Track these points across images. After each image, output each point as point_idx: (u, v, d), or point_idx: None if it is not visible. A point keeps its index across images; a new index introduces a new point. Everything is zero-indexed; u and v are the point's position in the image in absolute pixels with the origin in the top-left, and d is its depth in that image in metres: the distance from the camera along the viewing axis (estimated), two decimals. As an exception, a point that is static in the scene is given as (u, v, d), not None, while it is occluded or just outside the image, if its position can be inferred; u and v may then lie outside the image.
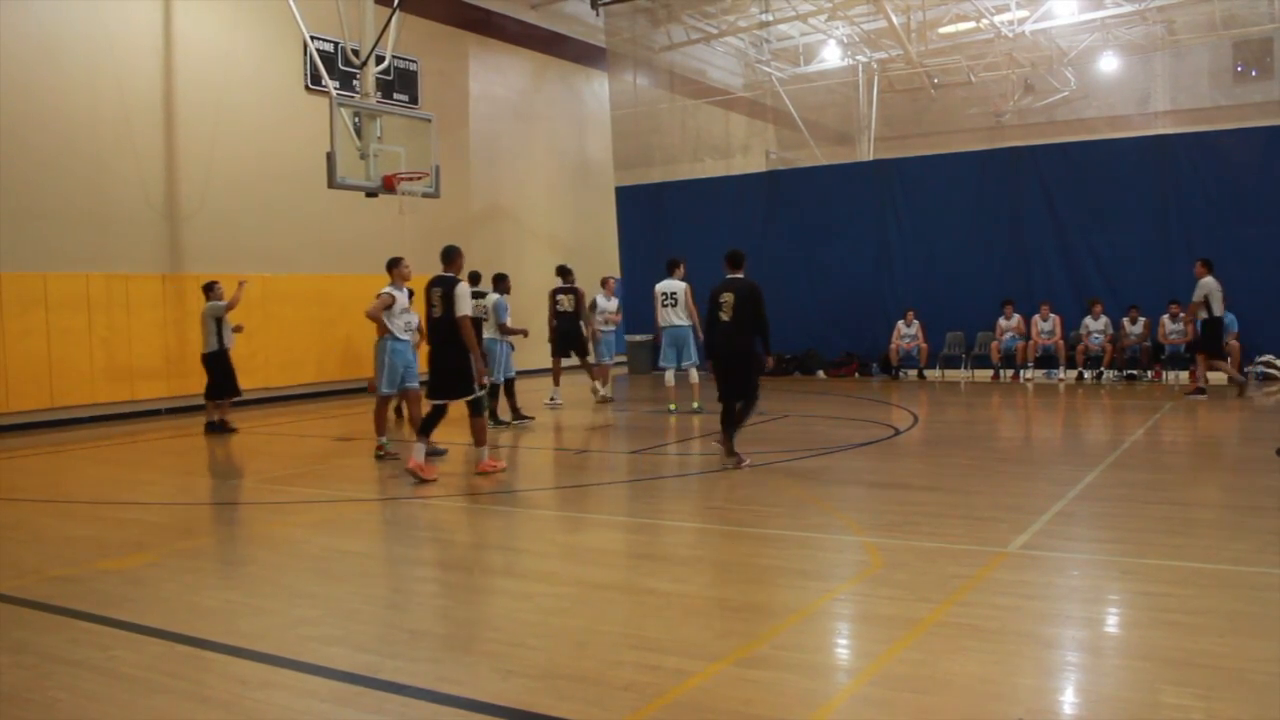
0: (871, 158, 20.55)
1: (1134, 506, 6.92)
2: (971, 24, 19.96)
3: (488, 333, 11.29)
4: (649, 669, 3.93)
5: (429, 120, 12.88)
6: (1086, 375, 15.49)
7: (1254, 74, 19.53)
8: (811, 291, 17.76)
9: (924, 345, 16.51)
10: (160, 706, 3.72)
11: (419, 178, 12.18)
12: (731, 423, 8.60)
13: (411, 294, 9.65)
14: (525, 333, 12.08)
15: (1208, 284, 12.72)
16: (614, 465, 9.52)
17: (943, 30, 20.44)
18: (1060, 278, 16.18)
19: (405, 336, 9.54)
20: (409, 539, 6.78)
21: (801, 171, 19.58)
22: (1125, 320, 15.12)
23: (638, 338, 18.62)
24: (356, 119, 11.81)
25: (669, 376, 12.74)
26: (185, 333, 14.41)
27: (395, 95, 16.75)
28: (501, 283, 11.86)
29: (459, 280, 8.42)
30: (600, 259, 21.24)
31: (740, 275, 8.67)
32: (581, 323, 13.80)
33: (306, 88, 15.98)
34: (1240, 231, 14.71)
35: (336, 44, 14.86)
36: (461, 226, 18.29)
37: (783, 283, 16.51)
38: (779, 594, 5.12)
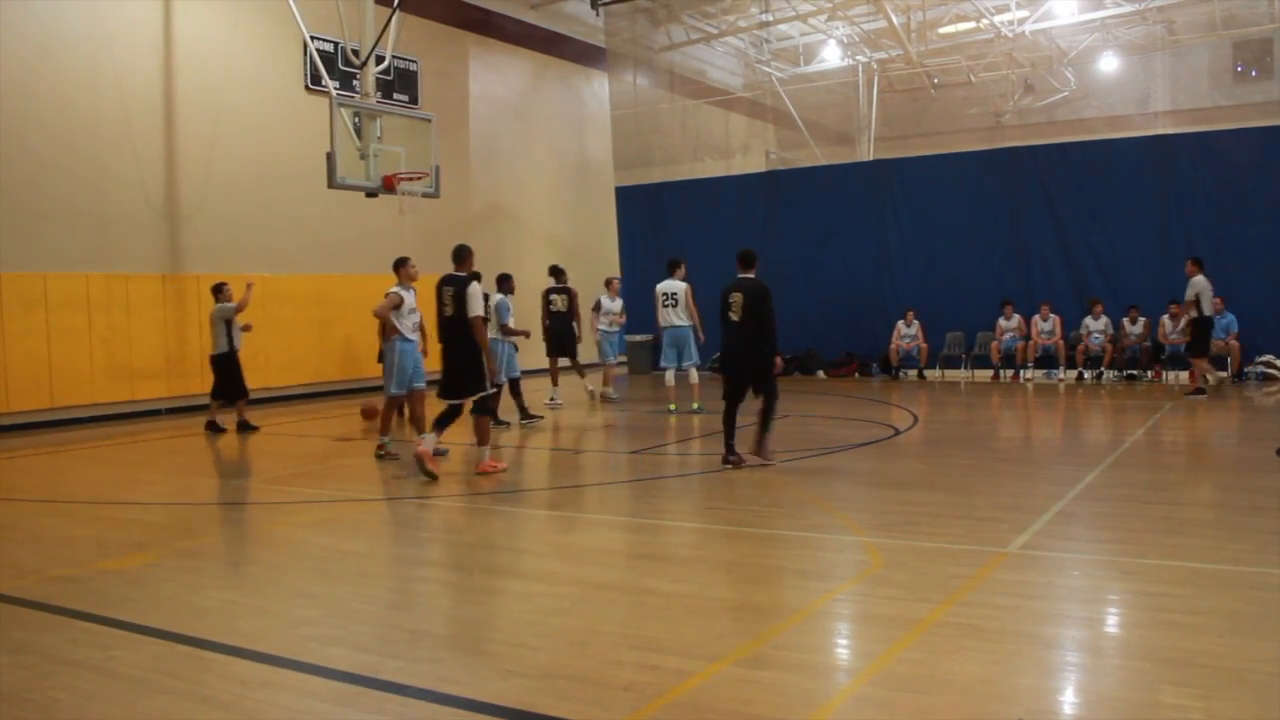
0: (871, 158, 20.54)
1: (1134, 506, 6.92)
2: (971, 24, 19.95)
3: (490, 333, 11.29)
4: (649, 669, 3.93)
5: (429, 120, 12.88)
6: (1086, 375, 15.50)
7: (1254, 74, 19.52)
8: (811, 291, 17.74)
9: (924, 345, 16.51)
10: (160, 706, 3.72)
11: (419, 178, 12.18)
12: (734, 424, 8.61)
13: (414, 294, 9.65)
14: (527, 334, 12.07)
15: (1199, 283, 12.73)
16: (614, 465, 9.52)
17: (943, 30, 20.43)
18: (1060, 278, 16.18)
19: (413, 337, 9.55)
20: (409, 539, 6.78)
21: (801, 171, 19.57)
22: (1125, 320, 15.11)
23: (638, 338, 18.62)
24: (356, 119, 11.81)
25: (669, 376, 12.75)
26: (185, 333, 14.41)
27: (395, 95, 16.76)
28: (505, 283, 11.85)
29: (471, 280, 8.45)
30: (600, 259, 21.23)
31: (751, 275, 8.69)
32: (574, 323, 13.80)
33: (306, 88, 15.98)
34: (1240, 231, 14.71)
35: (336, 44, 14.87)
36: (461, 226, 18.26)
37: (783, 283, 16.36)
38: (779, 594, 5.12)
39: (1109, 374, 15.38)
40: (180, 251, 14.59)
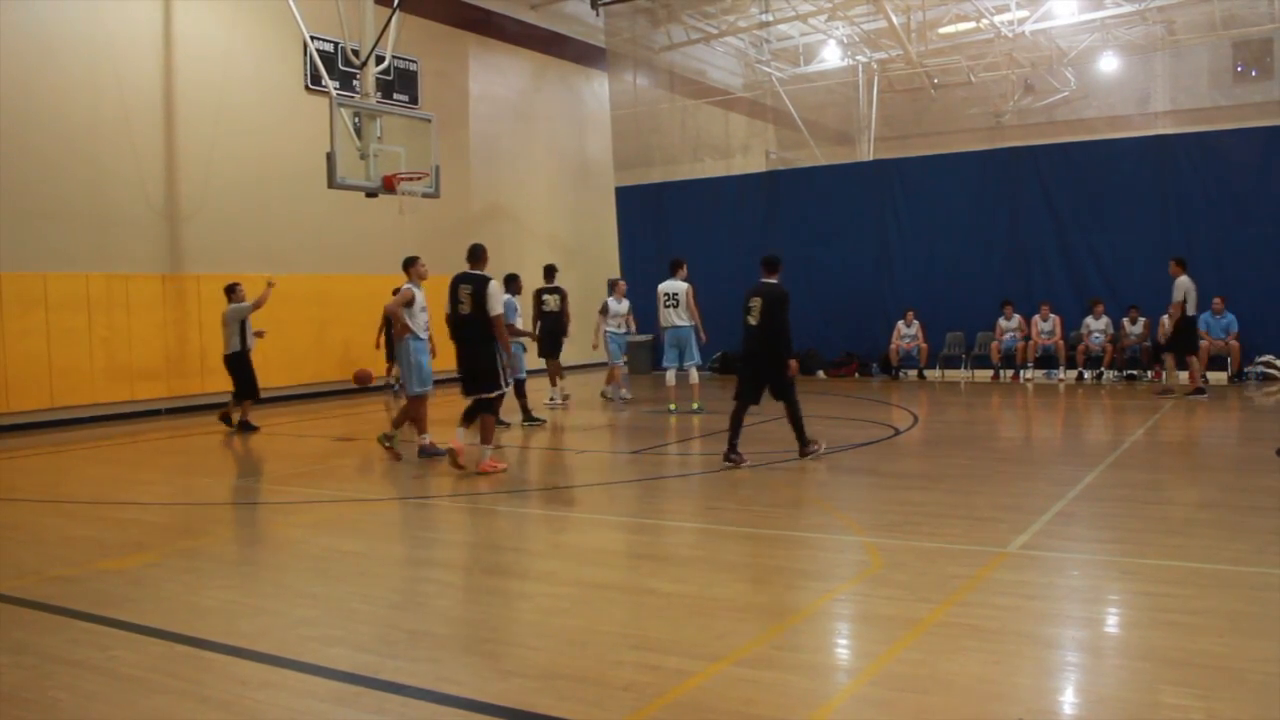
0: (871, 158, 20.55)
1: (1134, 506, 6.92)
2: (971, 24, 19.96)
3: None
4: (649, 669, 3.92)
5: (429, 120, 12.88)
6: (1086, 375, 15.50)
7: (1254, 74, 19.52)
8: (811, 291, 17.70)
9: (924, 345, 16.50)
10: (160, 706, 3.72)
11: (419, 178, 12.18)
12: (740, 424, 8.66)
13: (423, 293, 9.65)
14: (534, 335, 12.06)
15: (1185, 283, 12.74)
16: (614, 465, 9.52)
17: (943, 30, 20.43)
18: (1060, 278, 16.18)
19: (424, 335, 9.55)
20: (409, 539, 6.78)
21: (801, 171, 19.57)
22: (1125, 320, 15.11)
23: (638, 338, 18.61)
24: (356, 119, 11.81)
25: (670, 376, 12.76)
26: (185, 333, 14.42)
27: (395, 95, 16.76)
28: (512, 283, 11.83)
29: (490, 278, 8.50)
30: (600, 259, 21.22)
31: (772, 280, 8.78)
32: (565, 322, 13.76)
33: (306, 88, 15.98)
34: (1240, 231, 14.71)
35: (336, 44, 14.87)
36: (461, 226, 18.28)
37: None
38: (779, 594, 5.12)
39: (1109, 374, 15.38)
40: (180, 251, 14.59)
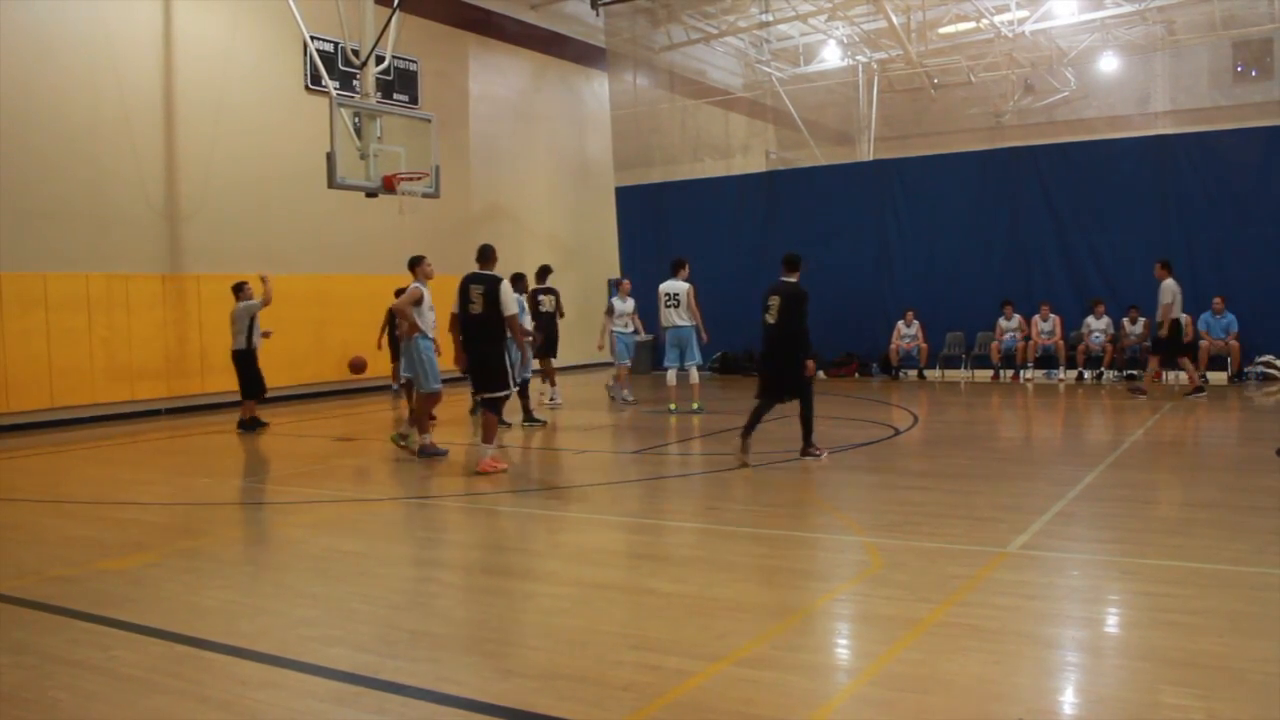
0: (871, 158, 20.55)
1: (1134, 506, 6.92)
2: (971, 24, 19.96)
3: None
4: (649, 669, 3.92)
5: (429, 120, 12.88)
6: (1086, 375, 15.50)
7: (1254, 74, 19.52)
8: (811, 291, 17.64)
9: (924, 345, 16.51)
10: (160, 706, 3.72)
11: (419, 178, 12.18)
12: (756, 423, 8.66)
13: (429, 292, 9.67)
14: (537, 337, 12.05)
15: (1172, 285, 12.75)
16: (615, 465, 9.52)
17: (943, 30, 20.44)
18: (1060, 278, 16.18)
19: (432, 335, 9.56)
20: (409, 539, 6.78)
21: (801, 171, 19.57)
22: (1125, 320, 15.11)
23: (638, 338, 18.61)
24: (356, 119, 11.81)
25: (670, 376, 12.75)
26: (185, 333, 14.42)
27: (395, 95, 16.76)
28: (519, 283, 11.84)
29: (501, 279, 8.55)
30: (600, 259, 21.22)
31: (792, 279, 8.79)
32: (558, 322, 13.73)
33: (306, 88, 15.98)
34: (1240, 231, 14.71)
35: (336, 44, 14.86)
36: (461, 226, 18.29)
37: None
38: (779, 594, 5.12)
39: (1109, 374, 15.38)
40: (180, 251, 14.59)
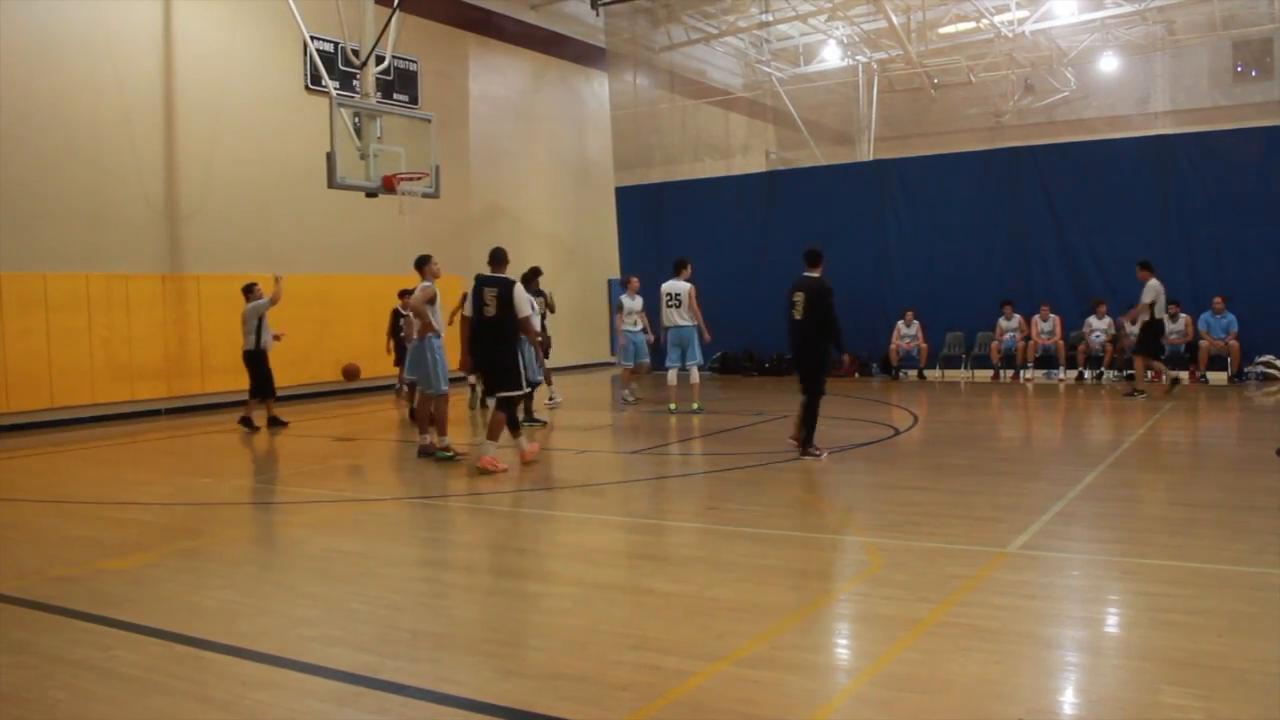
0: (871, 158, 20.54)
1: (1134, 506, 6.92)
2: (971, 24, 19.96)
3: None
4: (649, 669, 3.92)
5: (429, 120, 12.89)
6: (1087, 375, 15.49)
7: (1254, 74, 19.53)
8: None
9: (924, 345, 16.51)
10: (160, 706, 3.72)
11: (419, 178, 12.19)
12: (814, 416, 8.77)
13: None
14: (540, 338, 12.01)
15: (1155, 286, 12.76)
16: (615, 465, 9.52)
17: (943, 30, 20.44)
18: (1060, 278, 16.18)
19: (443, 333, 9.56)
20: (409, 539, 6.78)
21: (801, 171, 19.57)
22: (1125, 320, 15.10)
23: (648, 337, 18.60)
24: (356, 119, 11.81)
25: (671, 376, 12.74)
26: (185, 333, 14.42)
27: (395, 95, 16.76)
28: (533, 280, 11.83)
29: (515, 281, 8.60)
30: (600, 259, 21.23)
31: (815, 274, 8.81)
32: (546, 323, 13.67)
33: (306, 88, 15.98)
34: (1240, 231, 14.71)
35: (336, 44, 14.86)
36: (461, 227, 18.30)
37: (783, 283, 16.21)
38: (779, 594, 5.12)
39: (1109, 374, 15.38)
40: (180, 251, 14.58)
